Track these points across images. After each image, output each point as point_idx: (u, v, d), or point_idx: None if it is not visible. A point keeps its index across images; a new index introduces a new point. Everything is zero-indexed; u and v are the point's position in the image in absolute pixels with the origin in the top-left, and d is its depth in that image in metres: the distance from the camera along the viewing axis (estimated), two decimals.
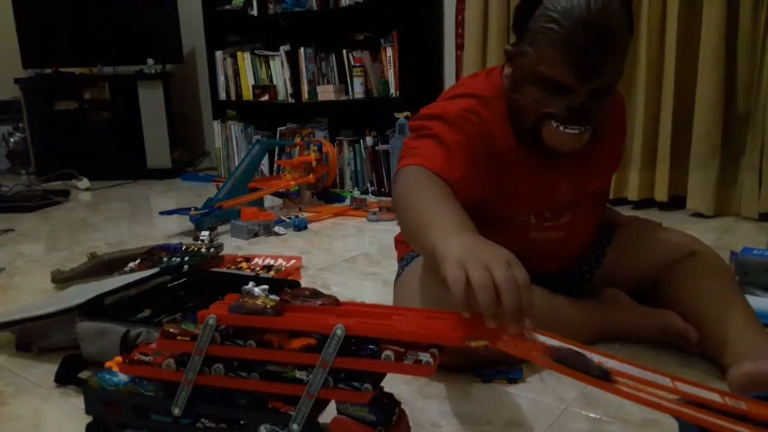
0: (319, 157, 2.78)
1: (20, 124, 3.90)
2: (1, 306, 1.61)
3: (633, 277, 1.28)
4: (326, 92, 3.15)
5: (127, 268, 1.70)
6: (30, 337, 1.30)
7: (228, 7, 3.43)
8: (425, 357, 0.73)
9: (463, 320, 0.77)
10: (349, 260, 1.94)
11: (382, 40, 3.00)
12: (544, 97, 1.07)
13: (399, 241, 1.40)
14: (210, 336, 0.78)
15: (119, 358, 0.90)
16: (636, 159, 2.40)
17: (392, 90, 2.97)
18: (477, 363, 1.12)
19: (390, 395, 0.81)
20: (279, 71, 3.37)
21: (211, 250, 1.80)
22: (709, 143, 2.24)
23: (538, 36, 1.04)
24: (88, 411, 0.87)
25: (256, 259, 1.85)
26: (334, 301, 0.84)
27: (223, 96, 3.60)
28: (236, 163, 3.30)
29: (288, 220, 2.38)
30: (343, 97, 3.14)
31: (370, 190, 3.08)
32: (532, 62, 1.06)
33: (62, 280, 1.73)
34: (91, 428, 0.87)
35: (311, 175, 2.73)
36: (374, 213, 2.45)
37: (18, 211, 2.87)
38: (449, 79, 2.99)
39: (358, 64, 3.06)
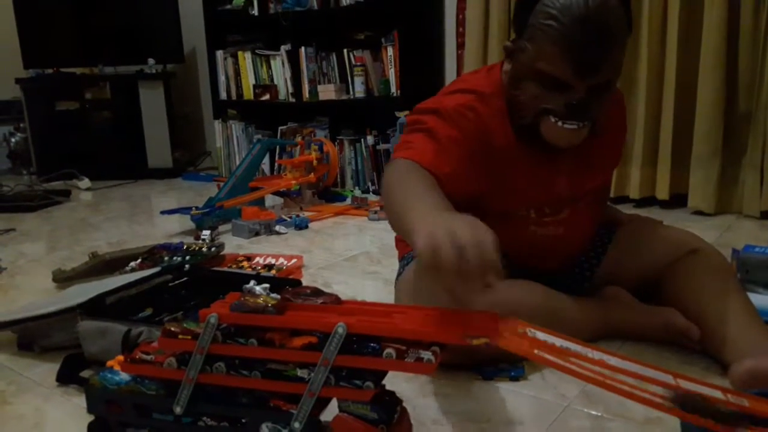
0: (320, 156, 2.78)
1: (21, 124, 3.90)
2: (3, 305, 1.61)
3: (634, 275, 1.28)
4: (327, 91, 3.15)
5: (128, 268, 1.70)
6: (32, 336, 1.30)
7: (229, 6, 3.43)
8: (426, 355, 0.73)
9: (465, 318, 0.77)
10: (350, 259, 1.94)
11: (382, 39, 3.00)
12: (543, 93, 1.07)
13: (399, 240, 1.40)
14: (211, 335, 0.78)
15: (121, 357, 0.90)
16: (637, 157, 2.40)
17: (393, 89, 2.97)
18: (478, 361, 1.12)
19: (391, 393, 0.81)
20: (280, 71, 3.37)
21: (212, 249, 1.80)
22: (710, 142, 2.24)
23: (536, 32, 1.04)
24: (89, 410, 0.87)
25: (257, 258, 1.85)
26: (336, 300, 0.84)
27: (224, 95, 3.60)
28: (237, 163, 3.30)
29: (289, 219, 2.39)
30: (344, 97, 3.14)
31: (371, 189, 3.08)
32: (530, 58, 1.06)
33: (63, 279, 1.73)
34: (93, 427, 0.87)
35: (312, 175, 2.74)
36: (375, 212, 2.45)
37: (19, 210, 2.87)
38: (450, 78, 2.99)
39: (358, 63, 3.06)
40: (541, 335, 0.76)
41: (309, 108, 3.32)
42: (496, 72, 1.19)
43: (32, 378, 1.20)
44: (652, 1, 2.30)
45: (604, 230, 1.35)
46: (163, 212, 2.44)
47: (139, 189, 3.45)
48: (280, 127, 3.42)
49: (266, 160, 3.35)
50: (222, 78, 3.57)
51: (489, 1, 2.68)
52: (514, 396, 1.05)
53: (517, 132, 1.15)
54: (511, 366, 1.12)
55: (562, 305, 1.20)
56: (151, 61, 3.69)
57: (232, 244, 2.15)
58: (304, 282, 1.54)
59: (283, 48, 3.30)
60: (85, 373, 1.15)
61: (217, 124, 3.63)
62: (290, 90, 3.33)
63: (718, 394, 0.70)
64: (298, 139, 3.21)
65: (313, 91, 3.23)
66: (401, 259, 1.36)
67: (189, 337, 0.79)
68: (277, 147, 3.40)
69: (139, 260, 1.73)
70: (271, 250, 2.02)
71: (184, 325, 0.82)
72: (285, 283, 1.44)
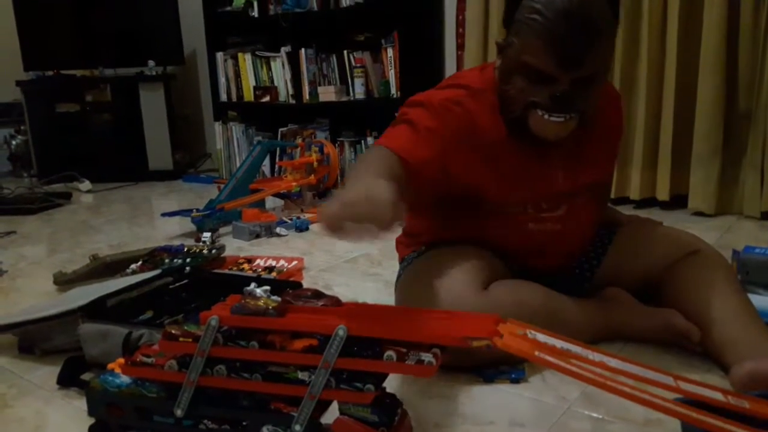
0: (321, 158, 2.78)
1: (22, 127, 3.90)
2: (4, 308, 1.61)
3: (634, 276, 1.28)
4: (327, 93, 3.15)
5: (129, 270, 1.70)
6: (32, 339, 1.30)
7: (229, 8, 3.44)
8: (427, 357, 0.73)
9: (466, 320, 0.77)
10: (350, 261, 1.94)
11: (382, 41, 3.00)
12: (530, 86, 1.09)
13: (399, 242, 1.41)
14: (212, 337, 0.78)
15: (122, 360, 0.90)
16: (637, 158, 2.40)
17: (393, 90, 2.97)
18: (479, 363, 1.12)
19: (392, 396, 0.81)
20: (280, 72, 3.37)
21: (213, 251, 1.80)
22: (710, 142, 2.23)
23: (522, 27, 1.07)
24: (90, 413, 0.87)
25: (257, 261, 1.85)
26: (336, 302, 0.84)
27: (224, 97, 3.60)
28: (237, 165, 3.30)
29: (289, 221, 2.39)
30: (344, 98, 3.14)
31: None
32: (517, 53, 1.09)
33: (64, 282, 1.73)
34: (94, 430, 0.88)
35: (313, 176, 2.73)
36: None
37: (20, 213, 2.87)
38: None
39: (359, 65, 3.06)
40: (542, 337, 0.76)
41: (309, 109, 3.32)
42: (490, 69, 1.21)
43: (33, 381, 1.20)
44: (652, 1, 2.29)
45: (605, 231, 1.35)
46: (163, 214, 2.44)
47: (140, 191, 3.45)
48: (280, 129, 3.42)
49: (267, 161, 3.34)
50: (222, 80, 3.57)
51: (489, 1, 2.68)
52: (514, 398, 1.05)
53: (508, 126, 1.16)
54: (511, 368, 1.12)
55: (562, 306, 1.20)
56: (151, 63, 3.69)
57: (233, 246, 2.15)
58: (305, 284, 1.55)
59: (283, 50, 3.31)
60: (86, 376, 1.15)
61: (218, 126, 3.63)
62: (290, 92, 3.33)
63: (718, 396, 0.70)
64: (299, 140, 3.21)
65: (314, 93, 3.24)
66: (401, 261, 1.36)
67: (190, 340, 0.80)
68: (278, 149, 3.40)
69: (140, 263, 1.73)
70: (271, 252, 2.02)
71: (185, 327, 0.82)
72: (286, 285, 1.44)
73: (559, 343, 0.75)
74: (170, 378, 0.81)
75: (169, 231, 2.41)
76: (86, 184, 3.45)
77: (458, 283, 1.11)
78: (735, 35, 2.18)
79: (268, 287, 0.86)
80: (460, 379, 1.11)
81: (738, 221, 2.19)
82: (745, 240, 1.84)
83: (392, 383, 0.80)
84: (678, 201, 2.37)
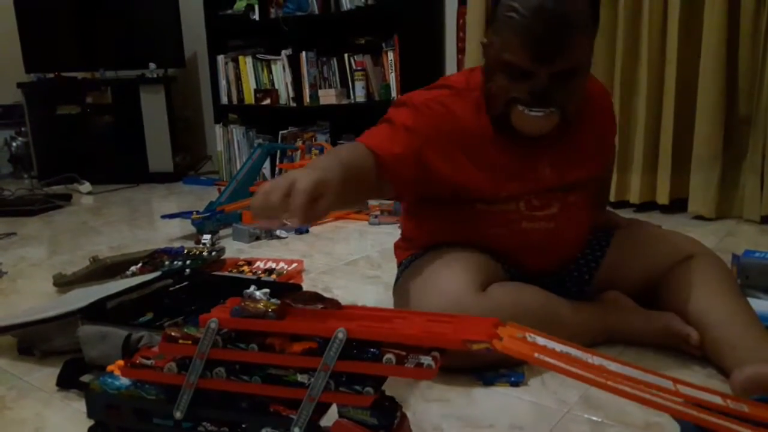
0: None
1: (23, 129, 3.91)
2: (4, 309, 1.61)
3: (633, 279, 1.28)
4: (328, 96, 3.16)
5: (128, 272, 1.70)
6: (32, 340, 1.30)
7: (230, 11, 3.44)
8: (427, 360, 0.73)
9: (465, 323, 0.77)
10: (350, 263, 1.94)
11: (383, 44, 3.00)
12: (510, 83, 1.12)
13: (397, 247, 1.41)
14: (212, 340, 0.78)
15: (121, 362, 0.90)
16: (638, 162, 2.40)
17: (394, 93, 2.97)
18: (478, 366, 1.12)
19: (391, 398, 0.81)
20: (281, 75, 3.38)
21: (213, 253, 1.80)
22: (710, 146, 2.24)
23: (501, 25, 1.10)
24: (90, 415, 0.87)
25: (257, 263, 1.85)
26: (336, 305, 0.84)
27: (224, 100, 3.60)
28: (238, 167, 3.31)
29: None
30: (345, 101, 3.15)
31: None
32: (497, 50, 1.12)
33: (64, 283, 1.73)
34: None
35: None
36: (376, 216, 2.45)
37: (20, 215, 2.87)
38: None
39: (359, 68, 3.06)
40: (541, 340, 0.76)
41: (310, 112, 3.33)
42: (478, 70, 1.24)
43: (32, 383, 1.20)
44: (652, 4, 2.30)
45: (602, 234, 1.35)
46: (163, 216, 2.44)
47: (140, 193, 3.45)
48: (281, 132, 3.42)
49: (267, 164, 3.35)
50: (223, 82, 3.58)
51: (489, 5, 2.68)
52: (514, 401, 1.05)
53: (493, 124, 1.19)
54: (511, 371, 1.12)
55: (561, 309, 1.20)
56: (152, 65, 3.70)
57: (233, 248, 2.15)
58: (305, 286, 1.55)
59: (284, 52, 3.31)
60: (86, 378, 1.15)
61: (218, 129, 3.64)
62: (291, 94, 3.34)
63: (717, 400, 0.70)
64: (299, 143, 3.22)
65: (314, 96, 3.24)
66: (399, 264, 1.37)
67: (189, 342, 0.80)
68: (278, 151, 3.40)
69: (140, 264, 1.73)
70: (271, 255, 2.02)
71: (185, 329, 0.82)
72: (285, 287, 1.44)
73: (558, 347, 0.75)
74: (170, 380, 0.81)
75: (170, 233, 2.41)
76: (86, 186, 3.46)
77: (456, 284, 1.11)
78: (735, 39, 2.19)
79: (267, 290, 0.86)
80: (459, 382, 1.11)
81: (738, 225, 2.19)
82: (744, 244, 1.84)
83: (391, 386, 0.80)
84: (678, 205, 2.37)
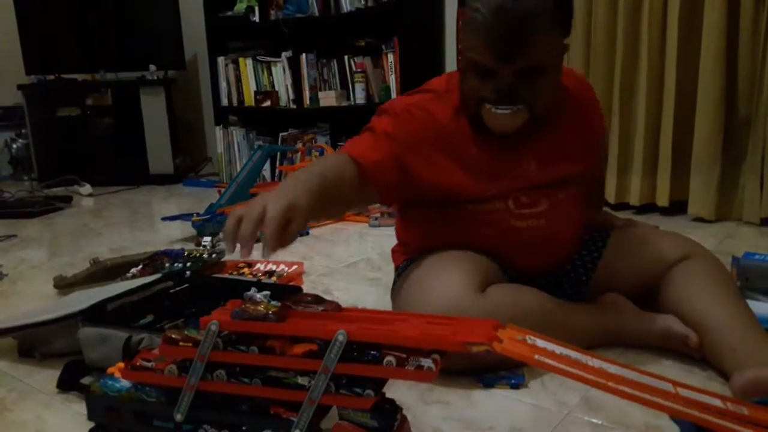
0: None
1: (23, 130, 3.91)
2: (4, 312, 1.61)
3: (630, 279, 1.28)
4: (328, 98, 3.16)
5: (129, 274, 1.70)
6: (32, 343, 1.30)
7: (230, 13, 3.45)
8: (427, 362, 0.73)
9: (465, 325, 0.77)
10: (350, 266, 1.94)
11: (383, 46, 3.01)
12: (479, 82, 1.14)
13: (394, 252, 1.42)
14: (212, 342, 0.78)
15: (121, 364, 0.90)
16: (637, 164, 2.41)
17: (394, 95, 2.97)
18: (478, 368, 1.12)
19: (392, 401, 0.81)
20: (281, 77, 3.38)
21: (213, 255, 1.80)
22: (710, 148, 2.24)
23: (466, 26, 1.13)
24: (90, 417, 0.87)
25: (257, 265, 1.85)
26: (336, 307, 0.84)
27: (225, 102, 3.61)
28: (238, 169, 3.31)
29: None
30: (345, 103, 3.15)
31: None
32: (465, 51, 1.15)
33: (64, 285, 1.73)
34: None
35: None
36: (376, 218, 2.45)
37: (20, 217, 2.87)
38: None
39: (359, 70, 3.07)
40: (541, 342, 0.77)
41: (310, 114, 3.33)
42: (457, 72, 1.25)
43: (33, 385, 1.20)
44: (652, 6, 2.30)
45: (598, 234, 1.35)
46: (164, 218, 2.44)
47: (141, 195, 3.46)
48: (281, 134, 3.43)
49: (267, 166, 3.35)
50: (223, 84, 3.58)
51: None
52: (514, 404, 1.05)
53: (471, 124, 1.21)
54: (511, 373, 1.12)
55: (560, 311, 1.20)
56: (152, 67, 3.70)
57: None
58: (305, 289, 1.55)
59: (284, 54, 3.32)
60: (86, 380, 1.15)
61: (219, 131, 3.64)
62: (291, 96, 3.34)
63: (717, 402, 0.70)
64: (299, 145, 3.22)
65: (314, 98, 3.24)
66: (396, 269, 1.37)
67: (190, 345, 0.80)
68: (278, 153, 3.41)
69: (140, 267, 1.74)
70: (271, 257, 2.01)
71: (185, 332, 0.82)
72: (286, 290, 1.44)
73: (558, 349, 0.75)
74: (170, 382, 0.81)
75: (170, 235, 2.41)
76: (87, 188, 3.46)
77: (455, 286, 1.11)
78: (735, 41, 2.19)
79: (268, 292, 0.86)
80: (459, 385, 1.11)
81: (737, 227, 2.20)
82: (744, 246, 1.84)
83: (392, 388, 0.80)
84: (678, 207, 2.37)
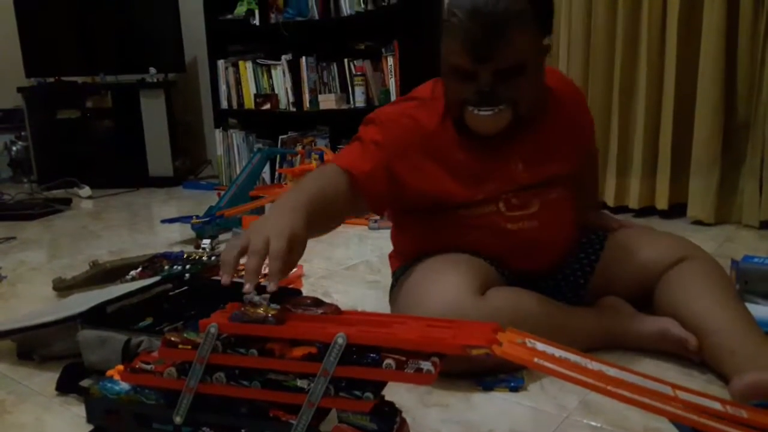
0: (321, 165, 2.79)
1: (23, 133, 3.91)
2: (3, 314, 1.61)
3: (628, 282, 1.28)
4: (328, 101, 3.17)
5: (128, 277, 1.70)
6: (31, 345, 1.30)
7: (230, 16, 3.45)
8: (426, 365, 0.73)
9: (465, 328, 0.77)
10: (350, 268, 1.94)
11: (383, 49, 3.01)
12: (460, 86, 1.15)
13: (391, 257, 1.42)
14: (211, 345, 0.78)
15: (121, 367, 0.90)
16: (637, 167, 2.41)
17: (393, 98, 2.97)
18: (478, 371, 1.12)
19: (391, 404, 0.81)
20: (280, 80, 3.38)
21: (213, 258, 1.80)
22: (709, 150, 2.24)
23: (444, 30, 1.14)
24: (89, 420, 0.87)
25: None
26: (335, 310, 0.84)
27: (224, 105, 3.61)
28: (238, 172, 3.31)
29: None
30: (345, 106, 3.16)
31: None
32: (444, 55, 1.16)
33: (64, 288, 1.73)
34: None
35: None
36: (375, 221, 2.46)
37: (20, 219, 2.88)
38: None
39: (359, 73, 3.07)
40: (541, 345, 0.77)
41: (310, 117, 3.34)
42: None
43: (32, 387, 1.20)
44: (651, 8, 2.31)
45: (596, 237, 1.35)
46: (163, 221, 2.44)
47: (140, 197, 3.46)
48: (280, 137, 3.43)
49: (267, 169, 3.35)
50: (223, 87, 3.58)
51: None
52: (513, 406, 1.05)
53: (456, 128, 1.21)
54: (510, 376, 1.12)
55: (559, 314, 1.20)
56: (152, 70, 3.70)
57: None
58: (304, 291, 1.55)
59: (284, 58, 3.32)
60: (85, 383, 1.14)
61: (218, 133, 3.64)
62: (291, 99, 3.34)
63: (716, 406, 0.70)
64: (299, 148, 3.22)
65: (314, 101, 3.25)
66: (393, 273, 1.37)
67: (189, 347, 0.80)
68: (278, 156, 3.41)
69: (140, 269, 1.73)
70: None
71: (185, 334, 0.82)
72: (285, 292, 1.44)
73: (557, 352, 0.75)
74: (169, 385, 0.81)
75: (169, 237, 2.41)
76: (86, 190, 3.46)
77: (455, 289, 1.11)
78: (734, 43, 2.19)
79: (267, 295, 0.86)
80: (459, 387, 1.11)
81: (737, 230, 2.20)
82: (743, 249, 1.84)
83: (391, 391, 0.80)
84: (677, 210, 2.37)
